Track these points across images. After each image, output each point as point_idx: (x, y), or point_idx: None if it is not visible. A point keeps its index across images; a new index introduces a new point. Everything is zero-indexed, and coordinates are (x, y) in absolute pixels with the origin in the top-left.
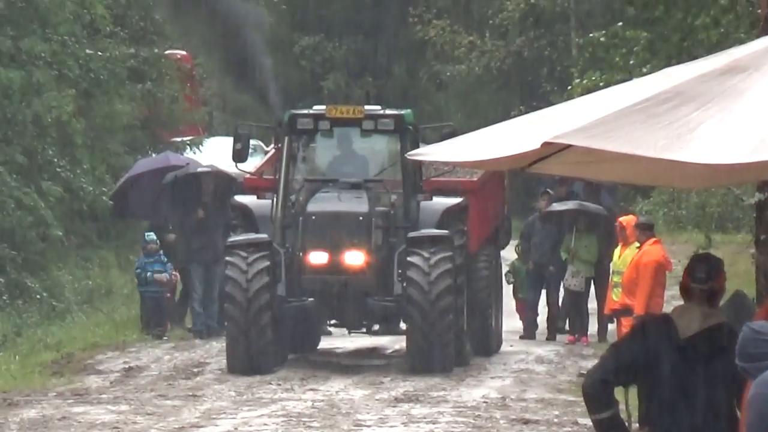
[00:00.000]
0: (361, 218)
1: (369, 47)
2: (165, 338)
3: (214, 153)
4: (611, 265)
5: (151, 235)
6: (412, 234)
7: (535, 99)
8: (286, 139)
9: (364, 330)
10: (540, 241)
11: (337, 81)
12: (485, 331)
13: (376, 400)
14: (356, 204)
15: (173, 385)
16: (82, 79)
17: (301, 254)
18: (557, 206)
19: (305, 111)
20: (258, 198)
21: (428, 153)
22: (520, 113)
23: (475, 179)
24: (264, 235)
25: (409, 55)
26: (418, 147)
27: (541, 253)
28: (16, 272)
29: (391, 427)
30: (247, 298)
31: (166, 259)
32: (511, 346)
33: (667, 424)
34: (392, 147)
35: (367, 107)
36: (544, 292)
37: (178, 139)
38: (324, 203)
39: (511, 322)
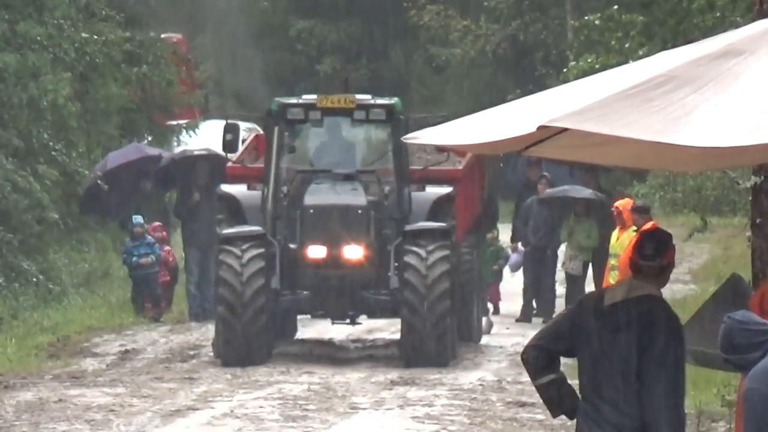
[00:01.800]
0: (360, 211)
1: (364, 31)
2: (161, 321)
3: (209, 136)
4: (609, 248)
5: (138, 218)
6: (408, 227)
7: (530, 82)
8: (276, 128)
9: (348, 321)
10: (538, 225)
11: (333, 64)
12: (468, 319)
13: (372, 383)
14: (354, 197)
15: (169, 367)
16: (78, 63)
17: (297, 247)
18: (555, 191)
19: (295, 100)
20: (248, 188)
21: (425, 136)
22: (516, 97)
23: (460, 168)
24: (258, 228)
25: (404, 39)
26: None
27: (539, 236)
28: (12, 255)
29: (387, 409)
30: (241, 296)
31: (153, 241)
32: (507, 329)
33: (590, 391)
34: (383, 136)
35: (358, 96)
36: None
37: (174, 123)
38: (321, 196)
39: (506, 305)
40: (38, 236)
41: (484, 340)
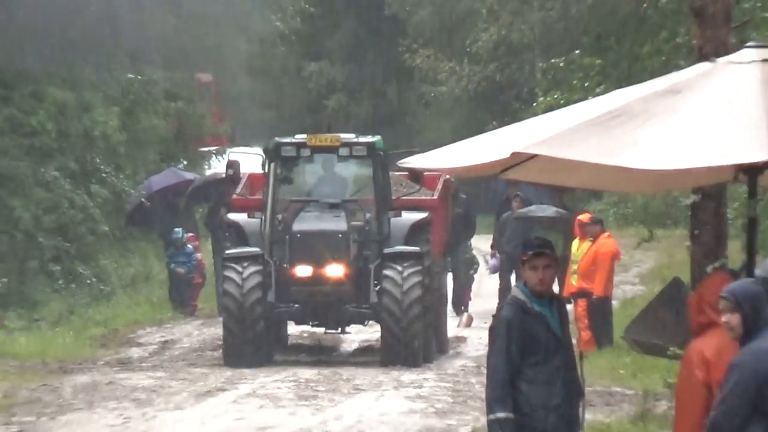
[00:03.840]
0: (340, 235)
1: (365, 72)
2: (195, 315)
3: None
4: (571, 255)
5: (179, 232)
6: (387, 250)
7: (505, 116)
8: (272, 164)
9: (339, 330)
10: (511, 237)
11: (339, 101)
12: (438, 330)
13: (371, 369)
14: (335, 223)
15: (202, 355)
16: (124, 99)
17: (288, 267)
18: (527, 210)
19: (288, 140)
20: (248, 216)
21: (417, 161)
22: (493, 128)
23: (435, 198)
24: (257, 249)
25: (399, 79)
26: (387, 169)
27: (513, 246)
28: (69, 261)
29: (385, 390)
30: (241, 304)
31: (192, 251)
32: (485, 323)
33: None
34: (365, 170)
35: (342, 135)
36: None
37: (205, 149)
38: (307, 222)
39: (484, 303)
40: (91, 245)
41: (466, 332)
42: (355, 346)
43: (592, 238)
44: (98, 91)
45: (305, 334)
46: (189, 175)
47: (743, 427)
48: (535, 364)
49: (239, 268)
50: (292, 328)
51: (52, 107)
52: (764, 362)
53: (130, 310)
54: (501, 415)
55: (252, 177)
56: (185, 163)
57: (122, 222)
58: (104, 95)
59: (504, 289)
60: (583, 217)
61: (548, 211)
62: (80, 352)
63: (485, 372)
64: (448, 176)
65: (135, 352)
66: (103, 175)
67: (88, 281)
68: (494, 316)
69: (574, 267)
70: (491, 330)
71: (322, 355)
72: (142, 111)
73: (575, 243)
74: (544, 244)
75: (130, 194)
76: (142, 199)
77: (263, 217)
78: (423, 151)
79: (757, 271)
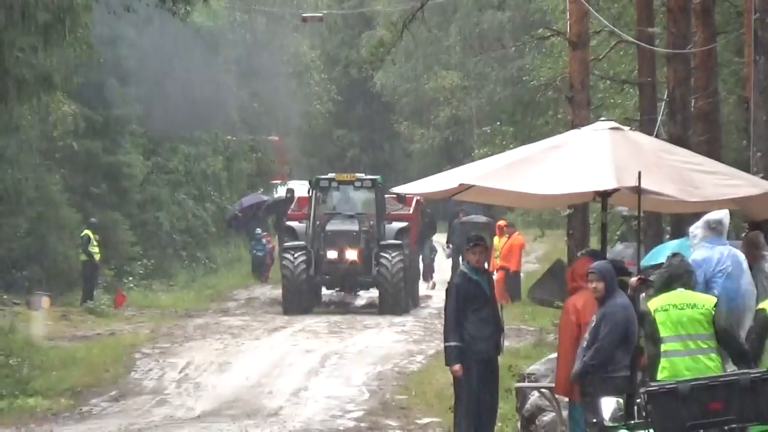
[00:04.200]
0: (355, 233)
1: (370, 135)
2: (268, 282)
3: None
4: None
5: (258, 230)
6: (382, 242)
7: (455, 162)
8: (313, 191)
9: (352, 293)
10: (459, 235)
11: (354, 153)
12: (413, 292)
13: (374, 316)
14: (352, 225)
15: (272, 306)
16: (225, 151)
17: (323, 252)
18: (468, 218)
19: (324, 176)
20: (299, 223)
21: (402, 188)
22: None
23: (411, 212)
24: (303, 242)
25: (390, 140)
26: (384, 197)
27: (459, 242)
28: (192, 249)
29: (382, 328)
30: (294, 275)
31: (266, 243)
32: (443, 287)
33: None
34: (370, 196)
35: (357, 174)
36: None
37: (274, 182)
38: (335, 225)
39: (442, 275)
40: (205, 240)
41: (432, 293)
42: (363, 302)
43: (508, 235)
44: (209, 146)
45: (333, 296)
46: (265, 197)
47: (615, 351)
48: (474, 311)
49: (293, 254)
50: (324, 292)
51: (182, 156)
52: (625, 312)
53: (229, 279)
54: (452, 342)
55: (300, 199)
56: (262, 189)
57: (224, 226)
58: (213, 149)
59: (454, 267)
60: (501, 223)
61: (481, 218)
62: (198, 304)
63: (443, 316)
64: (419, 198)
65: (231, 304)
66: (213, 197)
67: (203, 262)
68: (449, 283)
69: (497, 253)
70: (447, 291)
71: (343, 307)
72: (236, 158)
73: (496, 239)
74: (480, 239)
75: (228, 209)
76: (236, 212)
77: (308, 223)
78: (405, 183)
79: (609, 256)
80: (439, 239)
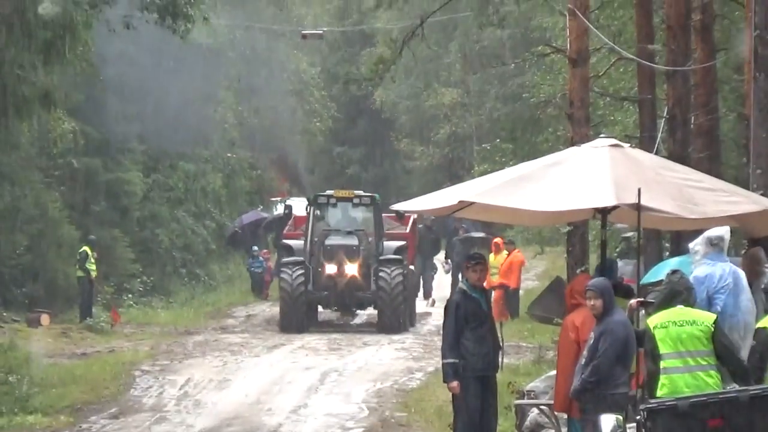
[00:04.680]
0: (354, 248)
1: (370, 152)
2: (267, 300)
3: (296, 205)
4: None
5: (255, 248)
6: (381, 257)
7: (455, 179)
8: (312, 208)
9: (349, 314)
10: (458, 252)
11: (354, 170)
12: (411, 309)
13: (373, 333)
14: (352, 240)
15: (270, 323)
16: (225, 169)
17: (321, 268)
18: (467, 235)
19: (322, 193)
20: (297, 240)
21: (402, 205)
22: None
23: (408, 231)
24: (301, 258)
25: (390, 157)
26: (381, 213)
27: (459, 258)
28: (191, 266)
29: (382, 345)
30: (292, 289)
31: (263, 260)
32: (442, 304)
33: None
34: (368, 212)
35: (355, 192)
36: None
37: (273, 199)
38: (334, 239)
39: (441, 292)
40: (205, 257)
41: (431, 309)
42: (360, 322)
43: (507, 252)
44: (209, 163)
45: (330, 316)
46: (264, 214)
47: (613, 368)
48: (472, 328)
49: (291, 270)
50: (320, 310)
51: (182, 173)
52: (624, 329)
53: (228, 296)
54: (450, 360)
55: (296, 219)
56: (261, 207)
57: (223, 243)
58: (213, 166)
59: (453, 284)
60: (497, 240)
61: (479, 234)
62: (197, 322)
63: (442, 333)
64: (415, 217)
65: (230, 322)
66: (212, 214)
67: (202, 279)
68: (448, 300)
69: (493, 270)
70: (445, 308)
71: (342, 325)
72: (236, 176)
73: (491, 256)
74: (480, 257)
75: (228, 226)
76: (236, 229)
77: (306, 240)
78: (405, 200)
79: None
80: (440, 256)
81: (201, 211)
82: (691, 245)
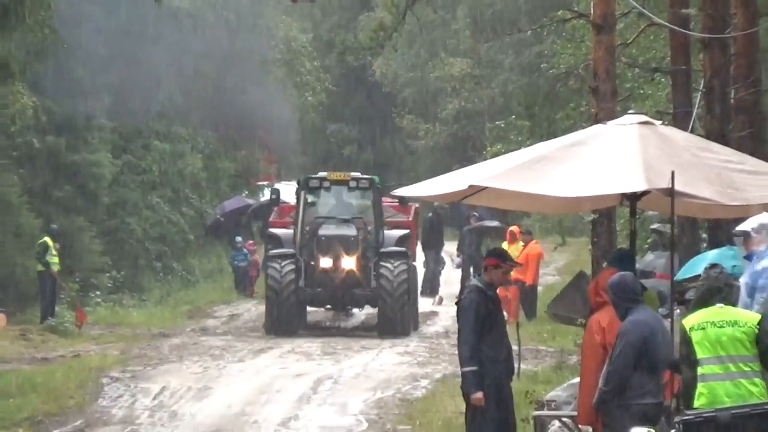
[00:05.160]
0: (352, 238)
1: (369, 130)
2: (253, 297)
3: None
4: None
5: (239, 239)
6: (383, 250)
7: (465, 160)
8: (302, 193)
9: (344, 313)
10: (470, 243)
11: (351, 150)
12: (415, 311)
13: (373, 334)
14: (349, 230)
15: (257, 324)
16: (205, 149)
17: (314, 261)
18: (480, 223)
19: (314, 176)
20: (286, 230)
21: (405, 190)
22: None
23: (411, 219)
24: (291, 250)
25: (392, 135)
26: (381, 198)
27: (472, 251)
28: (167, 259)
29: (383, 348)
30: (282, 286)
31: (247, 252)
32: (450, 303)
33: None
34: (366, 198)
35: (352, 173)
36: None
37: (260, 183)
38: (329, 230)
39: (450, 288)
40: (183, 249)
41: (438, 308)
42: (356, 323)
43: (523, 243)
44: (187, 142)
45: (322, 315)
46: (250, 201)
47: (630, 373)
48: (490, 331)
49: (278, 265)
50: (310, 309)
51: (156, 154)
52: (640, 329)
53: (208, 294)
54: (473, 368)
55: (282, 208)
56: (247, 192)
57: (204, 233)
58: (191, 146)
59: (465, 279)
60: (513, 228)
61: (492, 223)
62: (174, 322)
63: (454, 336)
64: (417, 205)
65: (211, 322)
66: (191, 200)
67: (180, 274)
68: (460, 299)
69: None
70: (460, 308)
71: (336, 326)
72: (218, 157)
73: (505, 245)
74: (509, 257)
75: (209, 214)
76: (218, 217)
77: (295, 229)
78: (408, 184)
79: (638, 266)
80: (448, 248)
81: (178, 196)
82: (749, 229)
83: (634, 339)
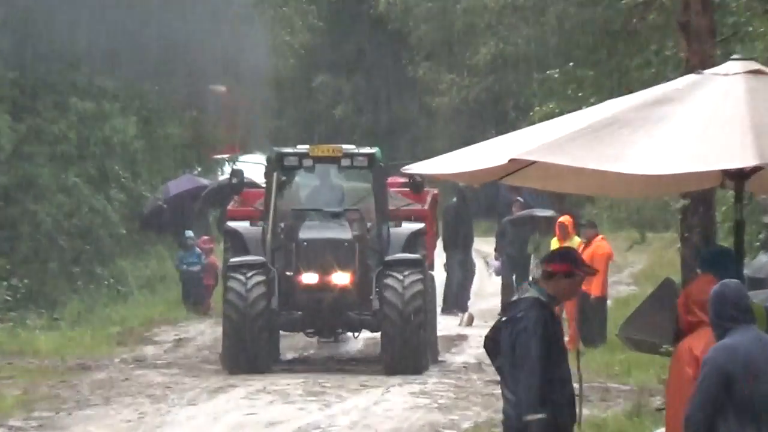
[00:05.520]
0: (346, 244)
1: (370, 84)
2: (209, 315)
3: (249, 169)
4: None
5: (190, 233)
6: (388, 257)
7: (503, 125)
8: (275, 174)
9: (333, 339)
10: (513, 239)
11: (344, 112)
12: (433, 333)
13: (377, 366)
14: (341, 232)
15: (214, 352)
16: (142, 109)
17: (293, 274)
18: (528, 211)
19: (290, 150)
20: (251, 225)
21: (420, 167)
22: (492, 136)
23: (427, 208)
24: (261, 258)
25: (402, 90)
26: (385, 181)
27: (514, 250)
28: (88, 263)
29: (390, 386)
30: (245, 314)
31: (200, 252)
32: (485, 321)
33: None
34: (365, 180)
35: (344, 146)
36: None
37: (219, 157)
38: (314, 231)
39: (484, 303)
40: (109, 248)
41: (467, 330)
42: (356, 346)
43: (585, 241)
44: (117, 101)
45: (301, 345)
46: (204, 181)
47: (711, 420)
48: (557, 361)
49: (243, 278)
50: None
51: (74, 116)
52: (725, 357)
53: (146, 310)
54: (540, 415)
55: (246, 193)
56: (200, 169)
57: (138, 226)
58: (123, 106)
59: (506, 288)
60: (564, 219)
61: (545, 212)
62: (98, 350)
63: (490, 369)
64: (436, 190)
65: (150, 350)
66: (122, 180)
67: (106, 282)
68: (521, 317)
69: None
70: (521, 332)
71: (316, 365)
72: (159, 120)
73: (553, 243)
74: (583, 260)
75: (147, 198)
76: (160, 203)
77: (265, 226)
78: (425, 159)
79: (746, 271)
80: (480, 247)
81: (104, 175)
82: None
83: (714, 371)
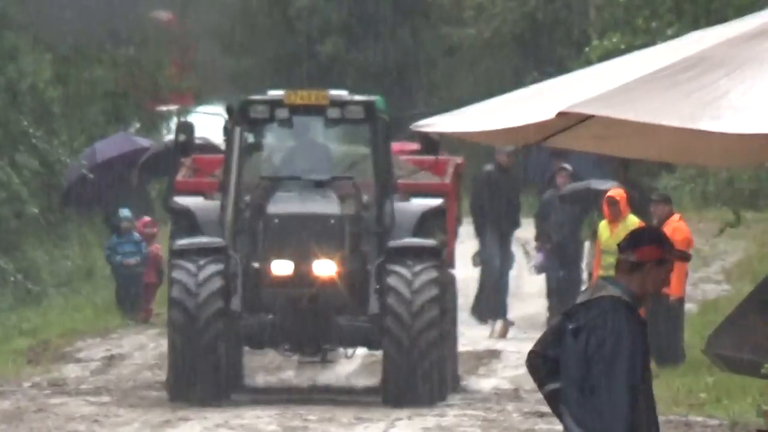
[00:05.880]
0: (332, 221)
1: (370, 9)
2: (150, 323)
3: (204, 123)
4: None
5: (125, 212)
6: (392, 243)
7: (549, 65)
8: (238, 130)
9: (318, 358)
10: (560, 221)
11: (335, 46)
12: (453, 350)
13: (376, 398)
14: (325, 204)
15: (159, 374)
16: (60, 48)
17: (261, 263)
18: (584, 183)
19: (259, 97)
20: (205, 199)
21: (435, 123)
22: (534, 80)
23: (448, 182)
24: (218, 240)
25: (413, 19)
26: (390, 141)
27: (563, 234)
28: None
29: (396, 419)
30: (195, 317)
31: (140, 239)
32: (525, 333)
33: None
34: (361, 138)
35: (332, 92)
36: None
37: (164, 108)
38: (288, 204)
39: (523, 307)
40: (16, 232)
41: (500, 345)
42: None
43: (656, 219)
44: (25, 35)
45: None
46: (144, 142)
47: None
48: (643, 382)
49: (192, 267)
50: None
51: None
52: None
53: (67, 316)
54: None
55: (198, 158)
56: (138, 126)
57: (57, 201)
58: (35, 42)
59: (554, 290)
60: (614, 193)
61: (609, 184)
62: (1, 370)
63: (534, 394)
64: (460, 160)
65: (72, 371)
66: (33, 140)
67: (12, 278)
68: (606, 325)
69: (610, 260)
70: (603, 344)
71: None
72: (82, 59)
73: (602, 226)
74: (671, 242)
75: (68, 166)
76: (84, 171)
77: (224, 200)
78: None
79: None
80: (517, 231)
81: (8, 133)
82: None
83: None
